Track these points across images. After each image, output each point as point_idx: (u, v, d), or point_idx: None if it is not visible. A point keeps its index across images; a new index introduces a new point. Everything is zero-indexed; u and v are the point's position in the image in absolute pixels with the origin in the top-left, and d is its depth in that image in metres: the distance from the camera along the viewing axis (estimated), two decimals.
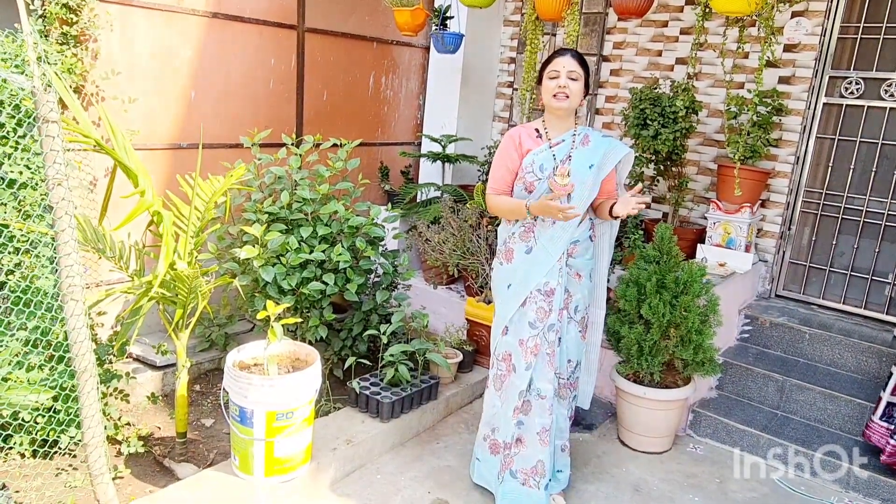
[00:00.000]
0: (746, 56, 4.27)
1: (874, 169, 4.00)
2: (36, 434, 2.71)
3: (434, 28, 4.59)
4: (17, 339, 2.62)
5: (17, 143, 2.66)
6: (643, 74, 4.73)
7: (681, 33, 4.57)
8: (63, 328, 2.48)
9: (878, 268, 4.04)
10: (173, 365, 3.44)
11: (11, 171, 2.64)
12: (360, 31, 4.82)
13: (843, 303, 4.17)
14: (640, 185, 2.87)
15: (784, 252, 4.35)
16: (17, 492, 2.61)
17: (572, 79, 2.63)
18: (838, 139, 4.11)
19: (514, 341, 2.76)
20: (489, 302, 3.89)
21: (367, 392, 3.26)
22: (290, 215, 3.37)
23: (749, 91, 4.18)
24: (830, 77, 4.10)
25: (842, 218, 4.14)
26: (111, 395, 3.10)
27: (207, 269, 2.93)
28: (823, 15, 4.02)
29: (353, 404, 3.33)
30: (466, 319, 4.09)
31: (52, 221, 2.21)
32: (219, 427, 3.33)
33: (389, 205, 4.95)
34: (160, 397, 3.48)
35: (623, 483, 3.16)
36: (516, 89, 5.36)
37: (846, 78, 4.05)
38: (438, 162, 4.85)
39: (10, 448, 2.74)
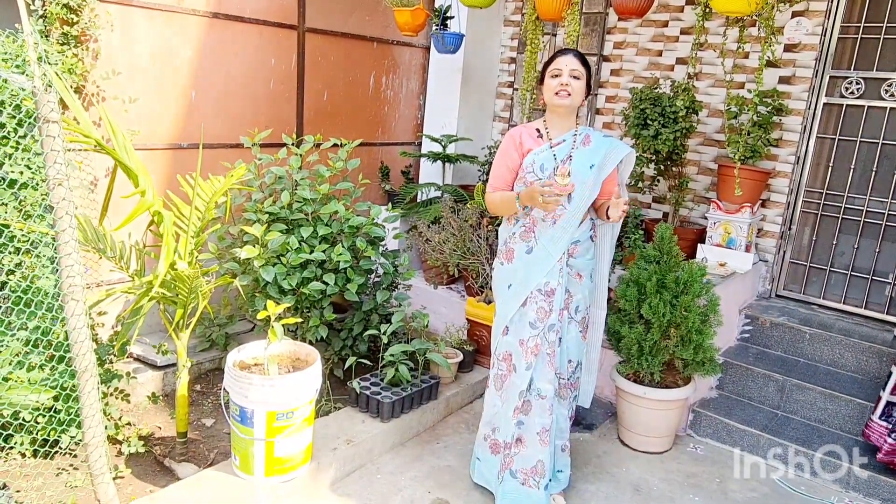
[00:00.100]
0: (747, 56, 4.27)
1: (874, 169, 4.00)
2: (36, 434, 2.71)
3: (434, 28, 4.60)
4: (17, 339, 2.62)
5: (17, 143, 2.66)
6: (643, 74, 4.73)
7: (681, 33, 4.57)
8: (63, 328, 2.48)
9: (878, 268, 4.04)
10: (174, 365, 3.44)
11: (12, 171, 2.64)
12: (361, 31, 4.82)
13: (844, 303, 4.17)
14: (624, 199, 2.69)
15: (784, 252, 4.35)
16: (17, 491, 2.61)
17: (574, 77, 2.64)
18: (839, 139, 4.11)
19: (515, 341, 2.76)
20: (489, 302, 3.89)
21: (368, 392, 3.26)
22: (290, 215, 3.37)
23: (749, 91, 4.18)
24: (831, 77, 4.10)
25: (842, 218, 4.14)
26: (112, 394, 3.11)
27: (208, 269, 2.93)
28: (824, 15, 4.02)
29: (354, 404, 3.33)
30: (467, 319, 4.09)
31: (52, 221, 2.21)
32: (219, 427, 3.33)
33: (390, 205, 4.95)
34: (161, 397, 3.49)
35: (623, 483, 3.16)
36: (517, 89, 5.36)
37: (846, 78, 4.05)
38: (439, 162, 4.85)
39: (11, 448, 2.74)
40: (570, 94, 2.64)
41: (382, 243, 3.63)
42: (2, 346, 2.59)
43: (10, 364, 2.58)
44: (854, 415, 3.43)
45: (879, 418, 3.14)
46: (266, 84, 4.33)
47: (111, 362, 3.11)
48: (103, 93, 3.54)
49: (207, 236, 3.08)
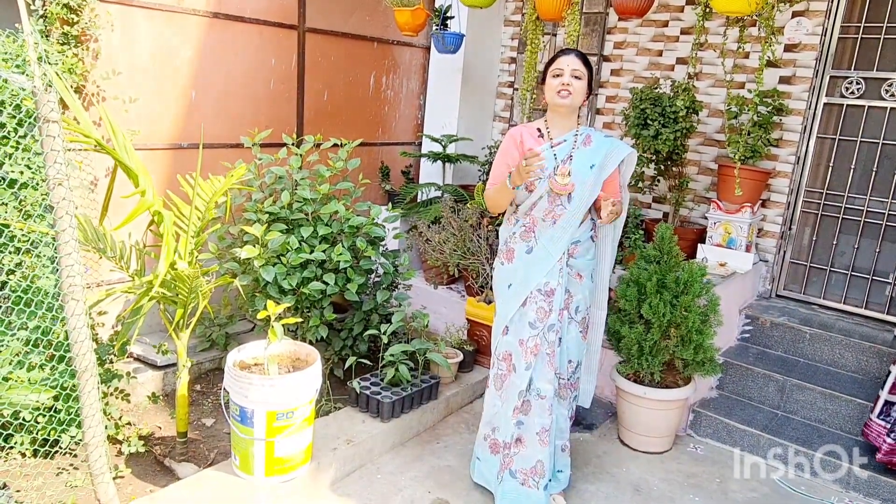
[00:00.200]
0: (747, 56, 4.27)
1: (875, 169, 4.00)
2: (37, 433, 2.71)
3: (434, 28, 4.60)
4: (17, 339, 2.62)
5: (17, 142, 2.66)
6: (644, 74, 4.73)
7: (681, 33, 4.57)
8: (64, 328, 2.48)
9: (878, 268, 4.04)
10: (174, 365, 3.44)
11: (12, 171, 2.64)
12: (361, 30, 4.82)
13: (844, 303, 4.16)
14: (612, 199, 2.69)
15: (784, 252, 4.35)
16: (17, 491, 2.61)
17: (576, 77, 2.64)
18: (839, 139, 4.11)
19: (515, 341, 2.76)
20: (489, 302, 3.89)
21: (368, 392, 3.26)
22: (290, 215, 3.37)
23: (749, 91, 4.18)
24: (831, 77, 4.10)
25: (842, 218, 4.14)
26: (112, 394, 3.11)
27: (208, 268, 2.93)
28: (824, 15, 4.02)
29: (354, 404, 3.33)
30: (467, 319, 4.09)
31: (52, 221, 2.22)
32: (219, 427, 3.33)
33: (390, 205, 4.95)
34: (161, 397, 3.49)
35: (623, 483, 3.16)
36: (517, 89, 5.36)
37: (847, 78, 4.05)
38: (439, 162, 4.85)
39: (11, 447, 2.74)
40: (571, 94, 2.64)
41: (382, 243, 3.63)
42: (2, 345, 2.59)
43: (10, 364, 2.58)
44: (854, 415, 3.43)
45: (878, 417, 3.14)
46: (266, 84, 4.33)
47: (111, 362, 3.11)
48: (103, 93, 3.54)
49: (207, 236, 3.08)
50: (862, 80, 4.00)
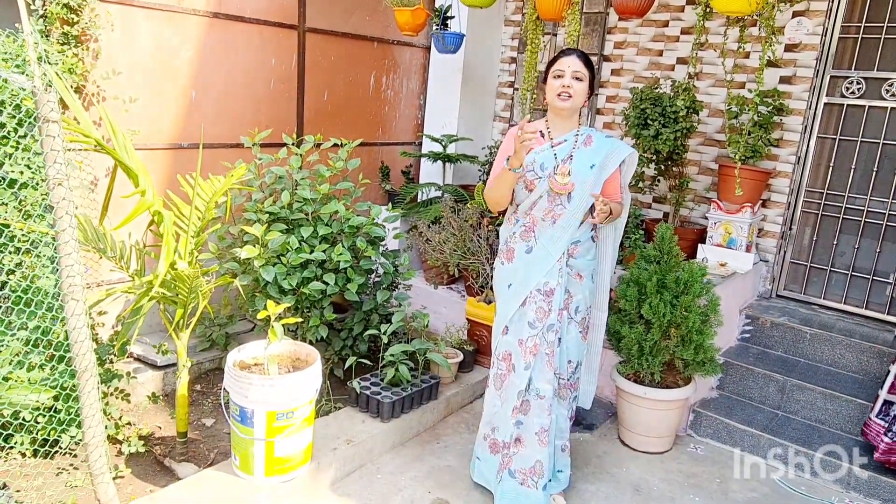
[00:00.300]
0: (747, 56, 4.26)
1: (875, 169, 4.00)
2: (37, 433, 2.71)
3: (435, 28, 4.60)
4: (17, 339, 2.62)
5: (17, 142, 2.66)
6: (644, 74, 4.72)
7: (681, 33, 4.56)
8: (64, 328, 2.48)
9: (879, 268, 4.03)
10: (174, 365, 3.44)
11: (12, 171, 2.64)
12: (361, 30, 4.82)
13: (844, 303, 4.16)
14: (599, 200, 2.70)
15: (785, 252, 4.34)
16: (17, 491, 2.61)
17: (577, 78, 2.63)
18: (839, 139, 4.11)
19: (514, 341, 2.76)
20: (489, 302, 3.89)
21: (368, 392, 3.26)
22: (290, 215, 3.37)
23: (750, 91, 4.18)
24: (831, 77, 4.09)
25: (843, 218, 4.14)
26: (112, 394, 3.11)
27: (208, 268, 2.93)
28: (824, 15, 4.01)
29: (354, 404, 3.33)
30: (467, 319, 4.09)
31: (52, 221, 2.21)
32: (219, 427, 3.33)
33: (390, 205, 4.95)
34: (161, 397, 3.49)
35: (623, 483, 3.15)
36: (517, 89, 5.36)
37: (847, 78, 4.05)
38: (439, 162, 4.85)
39: (11, 447, 2.74)
40: (571, 97, 2.63)
41: (383, 243, 3.63)
42: (2, 345, 2.59)
43: (10, 364, 2.58)
44: (854, 415, 3.43)
45: (877, 417, 3.14)
46: (266, 84, 4.33)
47: (111, 362, 3.11)
48: (103, 92, 3.54)
49: (207, 236, 3.08)
50: (862, 80, 3.99)
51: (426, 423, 3.47)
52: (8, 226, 2.56)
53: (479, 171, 5.10)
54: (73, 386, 2.57)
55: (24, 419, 2.65)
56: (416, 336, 3.58)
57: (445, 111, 5.26)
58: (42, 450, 2.67)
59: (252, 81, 4.24)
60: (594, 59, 4.89)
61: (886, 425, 3.07)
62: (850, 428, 3.44)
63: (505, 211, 2.93)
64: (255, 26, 4.18)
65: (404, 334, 3.62)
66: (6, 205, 2.65)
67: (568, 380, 2.88)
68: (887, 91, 3.93)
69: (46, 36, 3.20)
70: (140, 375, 3.45)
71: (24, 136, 2.67)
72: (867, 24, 3.97)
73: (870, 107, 3.99)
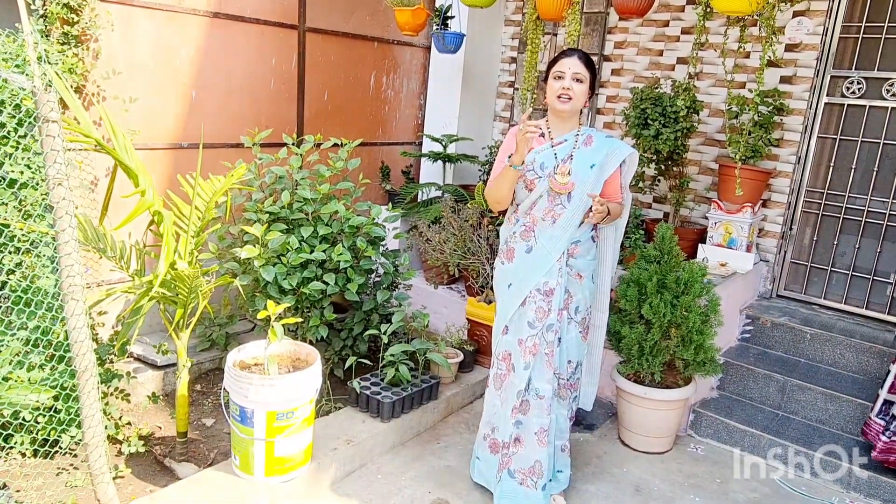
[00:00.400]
0: (748, 56, 4.26)
1: (876, 169, 4.00)
2: (37, 433, 2.71)
3: (435, 28, 4.59)
4: (17, 339, 2.62)
5: (17, 142, 2.66)
6: (644, 74, 4.72)
7: (682, 33, 4.56)
8: (64, 328, 2.48)
9: (879, 268, 4.03)
10: (174, 364, 3.44)
11: (12, 171, 2.64)
12: (361, 30, 4.82)
13: (845, 303, 4.16)
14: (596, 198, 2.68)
15: (785, 252, 4.34)
16: (17, 491, 2.61)
17: (577, 80, 2.63)
18: (840, 139, 4.11)
19: (514, 341, 2.76)
20: (490, 302, 3.89)
21: (368, 392, 3.26)
22: (290, 215, 3.37)
23: (750, 91, 4.17)
24: (832, 77, 4.09)
25: (843, 218, 4.13)
26: (112, 394, 3.11)
27: (208, 268, 2.93)
28: (825, 14, 4.01)
29: (354, 404, 3.33)
30: (467, 319, 4.09)
31: (52, 221, 2.21)
32: (219, 427, 3.33)
33: (390, 204, 4.95)
34: (161, 397, 3.49)
35: (624, 483, 3.15)
36: (517, 89, 5.36)
37: (847, 78, 4.04)
38: (439, 162, 4.85)
39: (11, 447, 2.74)
40: (571, 99, 2.63)
41: (383, 243, 3.63)
42: (2, 345, 2.59)
43: (10, 364, 2.58)
44: (855, 415, 3.43)
45: (877, 416, 3.14)
46: (266, 84, 4.32)
47: (111, 362, 3.11)
48: (103, 92, 3.54)
49: (207, 236, 3.07)
50: (863, 80, 3.99)
51: (426, 423, 3.47)
52: (8, 226, 2.56)
53: (480, 171, 5.10)
54: (73, 386, 2.57)
55: (24, 419, 2.65)
56: (416, 336, 3.58)
57: (445, 111, 5.26)
58: (42, 450, 2.67)
59: (252, 81, 4.24)
60: (594, 58, 4.88)
61: (885, 424, 3.07)
62: (850, 428, 3.44)
63: (505, 211, 2.92)
64: (256, 26, 4.18)
65: (404, 334, 3.62)
66: (6, 205, 2.65)
67: (568, 380, 2.88)
68: (888, 91, 3.92)
69: (46, 36, 3.20)
70: (140, 375, 3.45)
71: (24, 136, 2.67)
72: (868, 24, 3.97)
73: (870, 107, 3.98)
